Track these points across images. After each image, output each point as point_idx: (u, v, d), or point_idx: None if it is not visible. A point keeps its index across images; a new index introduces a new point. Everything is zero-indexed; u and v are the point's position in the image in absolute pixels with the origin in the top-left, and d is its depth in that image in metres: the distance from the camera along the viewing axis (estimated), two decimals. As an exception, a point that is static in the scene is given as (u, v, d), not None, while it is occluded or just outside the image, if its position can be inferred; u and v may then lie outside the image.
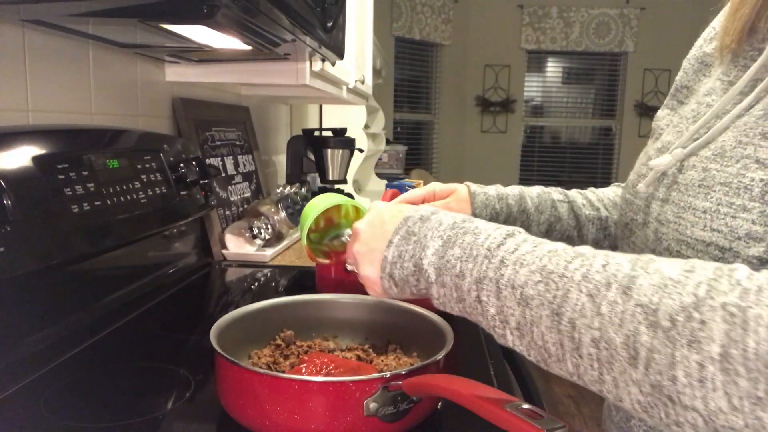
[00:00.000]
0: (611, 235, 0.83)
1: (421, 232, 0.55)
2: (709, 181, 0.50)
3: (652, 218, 0.57)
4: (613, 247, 0.81)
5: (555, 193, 0.85)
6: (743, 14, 0.55)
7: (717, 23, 0.62)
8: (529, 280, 0.46)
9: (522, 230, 0.52)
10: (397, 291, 0.57)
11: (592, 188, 0.88)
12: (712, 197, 0.49)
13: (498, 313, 0.48)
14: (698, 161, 0.52)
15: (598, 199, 0.85)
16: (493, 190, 0.84)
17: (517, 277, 0.46)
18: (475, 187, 0.84)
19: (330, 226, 0.76)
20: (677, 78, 0.67)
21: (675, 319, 0.37)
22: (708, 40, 0.64)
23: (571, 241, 0.82)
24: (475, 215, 0.80)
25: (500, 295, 0.47)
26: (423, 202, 0.82)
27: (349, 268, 0.65)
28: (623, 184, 0.87)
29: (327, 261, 0.77)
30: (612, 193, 0.88)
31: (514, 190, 0.84)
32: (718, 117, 0.53)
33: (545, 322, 0.44)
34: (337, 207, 0.75)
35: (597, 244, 0.83)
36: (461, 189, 0.84)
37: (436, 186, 0.84)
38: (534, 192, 0.84)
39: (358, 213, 0.75)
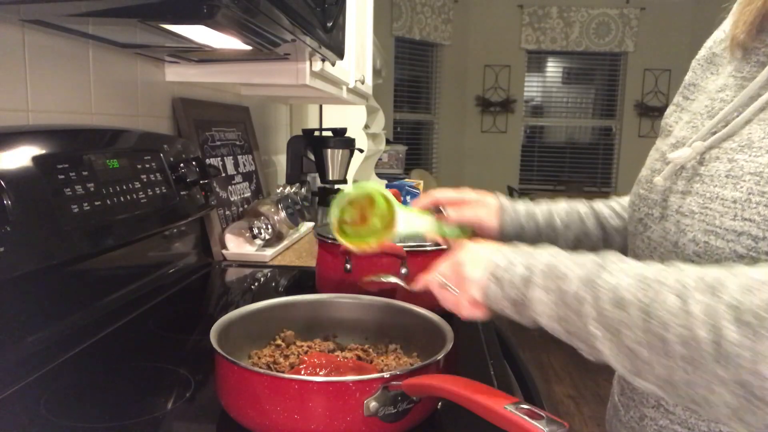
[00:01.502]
0: None
1: (531, 249, 0.59)
2: (737, 171, 0.50)
3: (671, 211, 0.57)
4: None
5: (581, 206, 0.85)
6: (755, 7, 0.56)
7: (727, 25, 0.64)
8: (629, 286, 0.48)
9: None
10: (500, 293, 0.58)
11: (616, 197, 0.87)
12: (741, 187, 0.50)
13: (597, 314, 0.49)
14: (722, 153, 0.53)
15: (623, 209, 0.85)
16: (523, 207, 0.85)
17: (619, 283, 0.49)
18: (505, 202, 0.85)
19: (362, 214, 0.77)
20: (686, 77, 0.68)
21: (759, 315, 0.39)
22: (718, 42, 0.65)
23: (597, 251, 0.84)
24: (501, 229, 0.84)
25: (597, 296, 0.49)
26: (453, 204, 0.84)
27: (438, 278, 0.65)
28: None
29: (359, 248, 0.79)
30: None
31: (542, 208, 0.85)
32: (738, 111, 0.54)
33: (637, 322, 0.46)
34: (369, 198, 0.76)
35: (623, 253, 0.84)
36: (491, 201, 0.85)
37: (469, 193, 0.85)
38: (562, 208, 0.85)
39: (389, 205, 0.77)
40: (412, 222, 0.78)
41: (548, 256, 0.56)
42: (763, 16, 0.56)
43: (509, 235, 0.84)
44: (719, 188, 0.52)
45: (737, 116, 0.53)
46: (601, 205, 0.86)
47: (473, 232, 0.84)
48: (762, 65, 0.55)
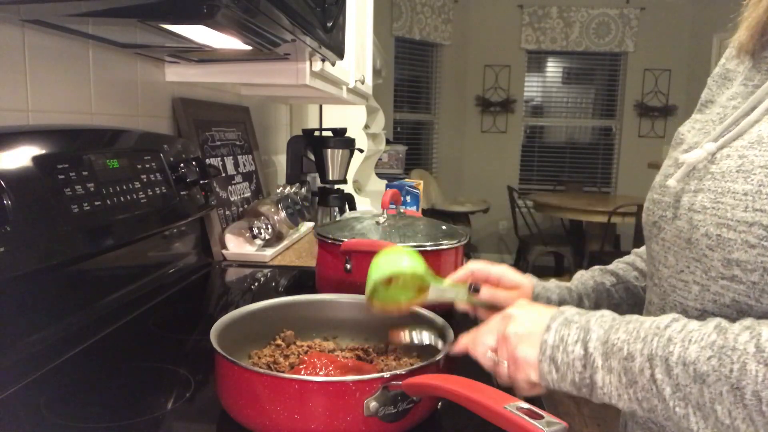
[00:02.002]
0: None
1: (582, 321, 0.56)
2: (747, 165, 0.52)
3: (683, 210, 0.58)
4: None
5: (607, 278, 0.82)
6: (757, 14, 0.58)
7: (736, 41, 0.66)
8: (700, 356, 0.47)
9: (678, 315, 0.52)
10: (558, 377, 0.55)
11: (635, 250, 0.85)
12: (752, 180, 0.51)
13: (675, 392, 0.48)
14: (732, 151, 0.54)
15: (644, 261, 0.82)
16: (555, 293, 0.81)
17: (688, 354, 0.47)
18: (539, 286, 0.82)
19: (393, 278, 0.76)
20: (702, 95, 0.70)
21: None
22: (730, 58, 0.67)
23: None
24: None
25: (671, 373, 0.48)
26: (488, 283, 0.81)
27: (489, 354, 0.61)
28: None
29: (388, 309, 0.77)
30: None
31: (572, 294, 0.81)
32: (747, 114, 0.55)
33: (727, 398, 0.45)
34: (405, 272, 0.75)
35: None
36: (526, 284, 0.82)
37: (506, 271, 0.82)
38: (589, 287, 0.82)
39: (423, 279, 0.75)
40: (443, 292, 0.78)
41: (599, 327, 0.54)
42: (765, 23, 0.57)
43: None
44: (730, 183, 0.53)
45: (746, 118, 0.55)
46: (626, 269, 0.83)
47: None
48: None
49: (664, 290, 0.62)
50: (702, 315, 0.56)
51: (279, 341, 0.82)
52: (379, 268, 0.74)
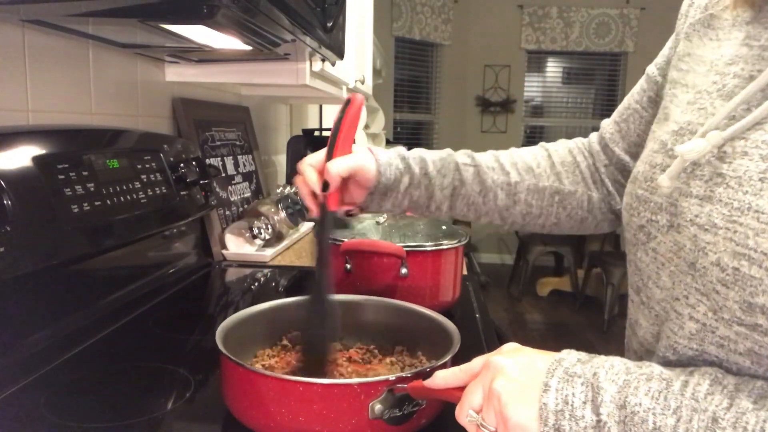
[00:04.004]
0: (522, 201, 0.76)
1: (587, 373, 0.44)
2: None
3: (684, 221, 0.46)
4: (526, 214, 0.76)
5: (461, 156, 0.76)
6: None
7: None
8: None
9: (708, 370, 0.42)
10: None
11: (514, 149, 0.80)
12: None
13: None
14: (750, 147, 0.42)
15: (511, 163, 0.76)
16: (394, 151, 0.75)
17: None
18: (380, 155, 0.73)
19: None
20: (679, 48, 0.58)
21: None
22: (715, 1, 0.55)
23: (477, 207, 0.76)
24: (379, 173, 0.71)
25: None
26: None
27: (470, 417, 0.48)
28: (549, 145, 0.80)
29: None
30: (531, 156, 0.78)
31: (414, 153, 0.75)
32: (764, 91, 0.43)
33: None
34: None
35: (507, 211, 0.76)
36: (367, 165, 0.71)
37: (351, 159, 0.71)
38: (437, 155, 0.75)
39: None
40: None
41: (611, 383, 0.42)
42: None
43: (388, 178, 0.72)
44: (752, 196, 0.40)
45: (762, 96, 0.42)
46: (486, 157, 0.77)
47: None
48: None
49: (657, 314, 0.51)
50: (699, 356, 0.46)
51: (285, 341, 0.82)
52: None
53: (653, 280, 0.51)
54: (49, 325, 0.87)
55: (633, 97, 0.72)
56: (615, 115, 0.76)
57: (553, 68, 5.61)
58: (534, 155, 0.79)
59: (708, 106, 0.48)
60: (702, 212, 0.44)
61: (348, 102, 0.73)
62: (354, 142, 0.74)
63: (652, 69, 0.70)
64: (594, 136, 0.81)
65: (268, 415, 0.61)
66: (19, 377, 0.77)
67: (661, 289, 0.50)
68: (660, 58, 0.69)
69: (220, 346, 0.66)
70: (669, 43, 0.68)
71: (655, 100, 0.68)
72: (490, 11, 5.37)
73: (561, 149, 0.80)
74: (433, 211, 0.76)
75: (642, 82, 0.71)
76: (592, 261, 4.25)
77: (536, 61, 5.55)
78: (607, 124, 0.78)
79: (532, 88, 5.59)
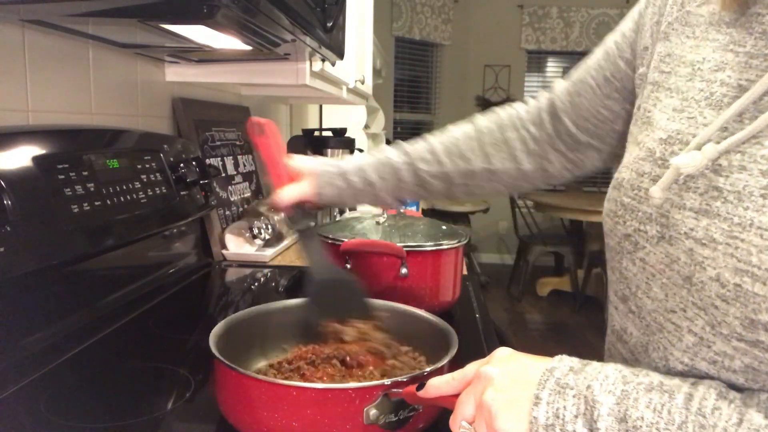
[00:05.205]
0: (458, 184, 0.80)
1: (580, 384, 0.42)
2: None
3: (678, 233, 0.45)
4: (465, 192, 0.81)
5: (396, 154, 0.81)
6: None
7: None
8: None
9: (712, 383, 0.41)
10: None
11: (449, 129, 0.83)
12: None
13: None
14: (749, 161, 0.41)
15: (444, 151, 0.79)
16: (335, 167, 0.82)
17: None
18: (320, 177, 0.82)
19: None
20: (658, 48, 0.55)
21: None
22: (691, 0, 0.53)
23: (420, 196, 0.83)
24: (320, 194, 0.81)
25: None
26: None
27: (461, 429, 0.48)
28: (481, 122, 0.81)
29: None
30: (463, 137, 0.80)
31: (352, 165, 0.82)
32: (755, 104, 0.42)
33: None
34: None
35: (448, 191, 0.82)
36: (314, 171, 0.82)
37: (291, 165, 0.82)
38: (375, 159, 0.82)
39: None
40: None
41: (608, 394, 0.41)
42: None
43: (328, 197, 0.82)
44: (754, 212, 0.39)
45: (754, 108, 0.42)
46: (419, 150, 0.81)
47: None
48: None
49: (648, 324, 0.50)
50: (690, 371, 0.45)
51: (284, 346, 0.81)
52: None
53: (642, 290, 0.50)
54: (49, 325, 0.87)
55: (589, 71, 0.68)
56: (569, 84, 0.72)
57: (553, 68, 5.61)
58: (466, 136, 0.80)
59: (697, 115, 0.47)
60: (698, 226, 0.43)
61: (257, 130, 0.83)
62: (282, 163, 0.83)
63: (613, 48, 0.64)
64: (544, 102, 0.77)
65: (261, 420, 0.60)
66: (19, 377, 0.77)
67: (653, 300, 0.49)
68: (621, 39, 0.63)
69: (213, 349, 0.65)
70: (630, 24, 0.62)
71: (612, 83, 0.64)
72: (490, 11, 5.37)
73: (492, 126, 0.80)
74: (382, 205, 0.87)
75: (600, 58, 0.66)
76: (592, 261, 4.25)
77: (536, 61, 5.55)
78: (560, 93, 0.74)
79: (533, 88, 5.59)
